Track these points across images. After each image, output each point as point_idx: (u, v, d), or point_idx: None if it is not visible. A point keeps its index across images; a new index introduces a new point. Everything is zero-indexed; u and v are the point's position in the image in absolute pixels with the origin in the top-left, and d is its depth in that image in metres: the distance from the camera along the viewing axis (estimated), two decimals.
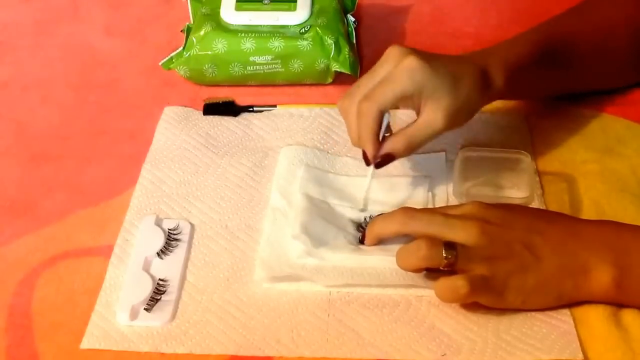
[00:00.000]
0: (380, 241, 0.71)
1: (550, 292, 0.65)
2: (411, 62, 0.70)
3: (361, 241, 0.72)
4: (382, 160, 0.72)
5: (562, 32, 0.81)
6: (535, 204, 0.75)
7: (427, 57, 0.71)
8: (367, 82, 0.72)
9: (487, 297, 0.65)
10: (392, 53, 0.72)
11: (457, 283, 0.64)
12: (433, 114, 0.70)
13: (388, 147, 0.71)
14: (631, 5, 0.84)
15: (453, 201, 0.76)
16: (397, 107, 0.72)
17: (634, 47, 0.84)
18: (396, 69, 0.70)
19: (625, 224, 0.68)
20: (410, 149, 0.72)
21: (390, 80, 0.70)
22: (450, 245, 0.64)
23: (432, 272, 0.66)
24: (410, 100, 0.71)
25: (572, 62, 0.81)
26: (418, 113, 0.71)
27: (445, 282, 0.65)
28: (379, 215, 0.73)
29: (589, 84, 0.86)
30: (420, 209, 0.71)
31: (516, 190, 0.76)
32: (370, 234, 0.71)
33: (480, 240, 0.65)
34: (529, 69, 0.76)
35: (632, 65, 0.86)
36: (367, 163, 0.73)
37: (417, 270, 0.67)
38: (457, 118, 0.71)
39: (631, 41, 0.84)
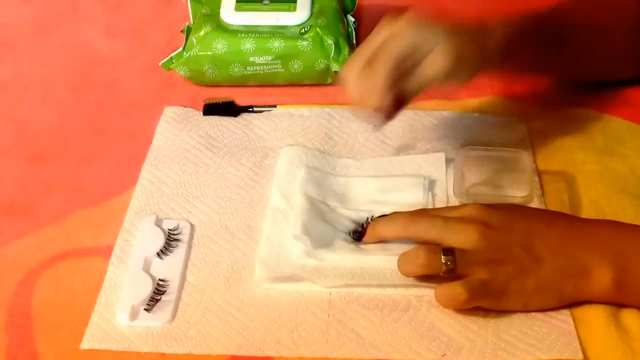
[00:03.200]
0: (380, 242, 0.71)
1: (551, 294, 0.65)
2: (408, 20, 0.69)
3: (359, 238, 0.72)
4: (390, 112, 0.71)
5: (560, 16, 0.80)
6: (535, 204, 0.75)
7: (423, 17, 0.71)
8: (368, 46, 0.71)
9: (487, 301, 0.65)
10: (386, 19, 0.71)
11: (455, 290, 0.64)
12: (438, 55, 0.68)
13: (394, 94, 0.70)
14: None
15: (453, 201, 0.76)
16: (402, 75, 0.71)
17: (633, 39, 0.83)
18: (394, 29, 0.70)
19: (625, 223, 0.68)
20: (414, 92, 0.71)
21: (391, 40, 0.69)
22: (448, 252, 0.65)
23: (434, 275, 0.66)
24: (413, 56, 0.69)
25: (572, 45, 0.80)
26: None
27: (444, 289, 0.65)
28: (380, 216, 0.73)
29: (586, 70, 0.85)
30: (421, 213, 0.71)
31: (516, 189, 0.76)
32: (371, 235, 0.71)
33: (480, 244, 0.65)
34: (529, 37, 0.76)
35: (630, 57, 0.85)
36: (377, 119, 0.73)
37: (417, 277, 0.67)
38: (460, 65, 0.69)
39: (629, 31, 0.83)
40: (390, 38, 0.70)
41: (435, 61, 0.69)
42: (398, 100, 0.71)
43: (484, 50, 0.72)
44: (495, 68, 0.77)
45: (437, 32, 0.69)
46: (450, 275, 0.65)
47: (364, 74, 0.70)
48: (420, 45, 0.69)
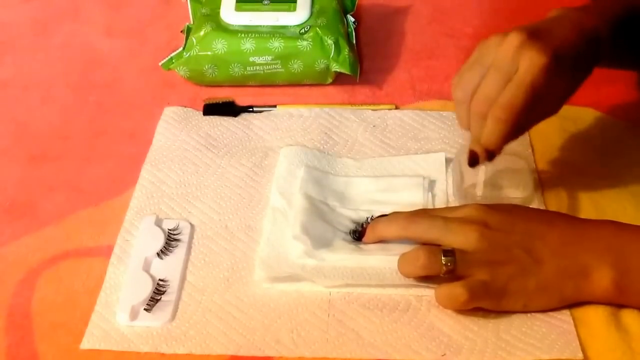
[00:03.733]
0: (380, 242, 0.71)
1: (551, 295, 0.65)
2: (533, 57, 0.63)
3: (359, 238, 0.72)
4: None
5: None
6: (534, 204, 0.75)
7: (534, 33, 0.64)
8: (475, 74, 0.66)
9: (487, 302, 0.65)
10: (496, 41, 0.66)
11: (455, 291, 0.64)
12: (530, 54, 0.63)
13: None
14: None
15: (453, 201, 0.76)
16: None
17: None
18: (520, 69, 0.64)
19: (625, 224, 0.68)
20: (513, 111, 0.65)
21: (517, 84, 0.64)
22: (448, 253, 0.65)
23: (434, 277, 0.66)
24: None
25: None
26: None
27: (444, 290, 0.65)
28: (380, 216, 0.73)
29: None
30: (421, 213, 0.71)
31: (515, 189, 0.76)
32: (371, 235, 0.71)
33: (480, 245, 0.65)
34: (622, 34, 0.71)
35: None
36: (474, 163, 0.70)
37: (418, 278, 0.67)
38: (559, 60, 0.64)
39: None
40: (513, 73, 0.64)
41: (531, 58, 0.63)
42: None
43: (582, 39, 0.67)
44: (604, 60, 0.71)
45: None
46: (451, 276, 0.65)
47: (491, 117, 0.65)
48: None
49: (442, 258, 0.64)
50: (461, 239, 0.65)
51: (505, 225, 0.67)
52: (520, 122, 0.66)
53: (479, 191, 0.73)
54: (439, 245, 0.66)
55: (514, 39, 0.64)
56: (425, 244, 0.68)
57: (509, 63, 0.64)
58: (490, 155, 0.69)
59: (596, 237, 0.67)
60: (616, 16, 0.71)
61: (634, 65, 0.82)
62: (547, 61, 0.64)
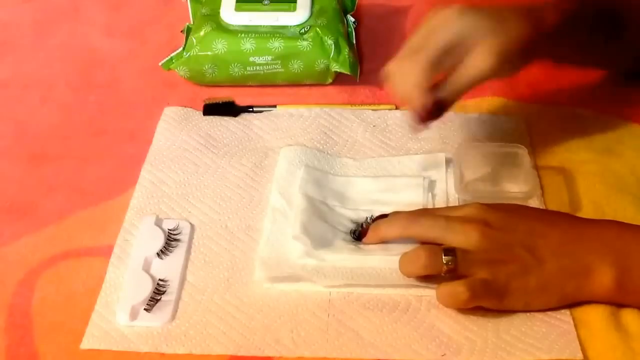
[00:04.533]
0: (382, 242, 0.71)
1: (552, 294, 0.66)
2: (453, 10, 0.68)
3: (359, 238, 0.72)
4: (433, 112, 0.70)
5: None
6: (534, 203, 0.75)
7: (467, 6, 0.69)
8: (413, 41, 0.70)
9: (489, 301, 0.65)
10: (432, 11, 0.70)
11: (457, 289, 0.64)
12: (480, 55, 0.67)
13: (436, 95, 0.69)
14: None
15: (453, 201, 0.76)
16: (446, 69, 0.69)
17: None
18: (439, 19, 0.68)
19: (626, 223, 0.68)
20: (458, 93, 0.70)
21: (434, 31, 0.68)
22: (449, 252, 0.65)
23: (435, 275, 0.66)
24: (457, 50, 0.68)
25: (622, 27, 0.77)
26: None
27: (445, 289, 0.65)
28: (380, 216, 0.73)
29: (634, 59, 0.82)
30: (423, 213, 0.71)
31: (514, 184, 0.76)
32: (372, 236, 0.71)
33: (481, 244, 0.65)
34: (585, 18, 0.73)
35: None
36: (419, 120, 0.70)
37: (418, 277, 0.67)
38: (506, 59, 0.68)
39: None
40: (433, 29, 0.68)
41: (480, 59, 0.67)
42: (440, 103, 0.70)
43: (535, 36, 0.69)
44: (547, 54, 0.74)
45: (483, 24, 0.67)
46: (452, 275, 0.65)
47: (406, 66, 0.69)
48: (464, 37, 0.67)
49: (443, 257, 0.64)
50: (462, 238, 0.65)
51: (506, 224, 0.67)
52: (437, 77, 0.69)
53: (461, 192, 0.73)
54: (440, 245, 0.66)
55: (433, 11, 0.69)
56: (426, 243, 0.68)
57: (427, 25, 0.69)
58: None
59: (597, 236, 0.67)
60: (573, 8, 0.72)
61: (576, 60, 0.82)
62: (493, 62, 0.67)
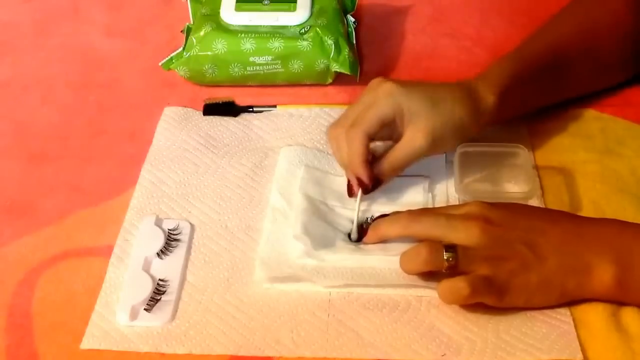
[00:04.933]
0: (382, 242, 0.71)
1: (553, 291, 0.66)
2: (389, 87, 0.72)
3: (359, 239, 0.72)
4: (371, 185, 0.73)
5: (552, 45, 0.82)
6: (534, 203, 0.75)
7: (406, 82, 0.74)
8: (353, 110, 0.74)
9: (489, 297, 0.65)
10: (374, 82, 0.74)
11: (458, 285, 0.64)
12: (412, 134, 0.72)
13: (374, 171, 0.73)
14: (620, 5, 0.84)
15: (453, 201, 0.76)
16: (383, 138, 0.74)
17: (621, 48, 0.85)
18: (376, 94, 0.72)
19: (627, 222, 0.68)
20: (394, 170, 0.73)
21: (372, 106, 0.72)
22: (450, 248, 0.65)
23: (435, 274, 0.66)
24: (393, 125, 0.72)
25: (564, 72, 0.82)
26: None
27: (446, 285, 0.65)
28: (381, 215, 0.73)
29: (577, 90, 0.86)
30: (424, 211, 0.71)
31: (515, 184, 0.76)
32: (373, 235, 0.71)
33: (482, 241, 0.65)
34: (521, 87, 0.77)
35: (618, 65, 0.86)
36: (350, 193, 0.74)
37: (420, 274, 0.67)
38: (441, 139, 0.72)
39: (619, 42, 0.84)
40: (372, 102, 0.72)
41: (413, 139, 0.72)
42: (375, 179, 0.73)
43: (476, 112, 0.74)
44: (492, 122, 0.77)
45: (419, 104, 0.72)
46: (453, 272, 0.65)
47: (346, 137, 0.72)
48: (400, 115, 0.72)
49: (444, 253, 0.65)
50: (463, 234, 0.65)
51: (507, 221, 0.67)
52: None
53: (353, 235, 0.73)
54: (442, 242, 0.66)
55: (376, 79, 0.74)
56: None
57: (368, 95, 0.73)
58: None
59: (598, 234, 0.67)
60: (511, 76, 0.77)
61: (549, 102, 0.85)
62: (425, 143, 0.71)
